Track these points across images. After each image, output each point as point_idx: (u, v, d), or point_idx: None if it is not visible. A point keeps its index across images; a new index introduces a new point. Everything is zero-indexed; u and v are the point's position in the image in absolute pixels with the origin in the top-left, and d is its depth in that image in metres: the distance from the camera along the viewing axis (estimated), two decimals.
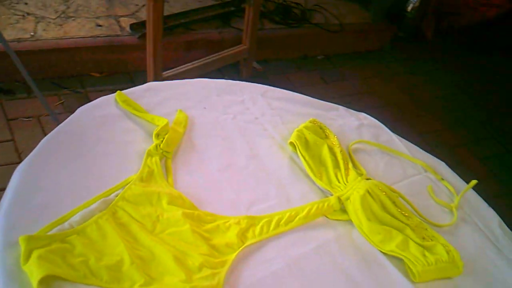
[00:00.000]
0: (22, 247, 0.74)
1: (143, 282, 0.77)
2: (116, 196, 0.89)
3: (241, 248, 0.87)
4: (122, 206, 0.87)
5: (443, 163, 1.23)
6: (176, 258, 0.81)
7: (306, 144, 1.11)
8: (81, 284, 0.73)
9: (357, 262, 0.92)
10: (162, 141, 1.00)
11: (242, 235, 0.90)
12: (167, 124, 1.04)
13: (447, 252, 0.94)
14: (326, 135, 1.16)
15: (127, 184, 0.91)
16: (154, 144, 0.99)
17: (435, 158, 1.23)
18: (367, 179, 1.06)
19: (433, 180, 1.17)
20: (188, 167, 1.00)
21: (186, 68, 2.37)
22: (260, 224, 0.92)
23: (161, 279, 0.78)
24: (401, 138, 1.25)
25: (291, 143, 1.11)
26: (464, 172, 1.22)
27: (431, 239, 0.97)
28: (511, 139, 2.87)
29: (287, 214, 0.95)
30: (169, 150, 1.00)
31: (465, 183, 1.16)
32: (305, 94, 1.31)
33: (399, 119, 2.65)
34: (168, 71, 2.30)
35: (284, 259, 0.88)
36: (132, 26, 2.57)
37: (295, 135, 1.11)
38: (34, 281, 0.70)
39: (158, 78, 2.20)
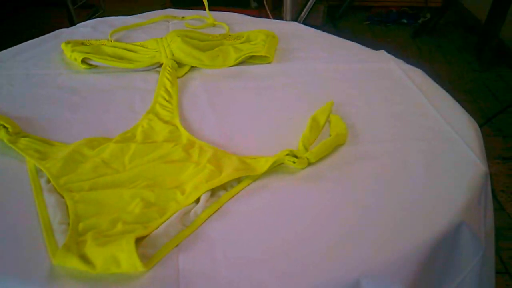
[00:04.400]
0: None
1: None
2: (47, 182, 0.73)
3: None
4: (68, 181, 0.73)
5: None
6: (170, 165, 0.76)
7: (86, 52, 1.06)
8: None
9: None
10: (4, 127, 0.82)
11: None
12: None
13: (259, 32, 1.13)
14: (82, 42, 1.13)
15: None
16: (2, 135, 0.80)
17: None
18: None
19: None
20: (52, 126, 0.87)
21: None
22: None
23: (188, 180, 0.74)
24: None
25: (83, 62, 1.05)
26: None
27: (240, 37, 1.14)
28: None
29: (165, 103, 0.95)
30: (19, 130, 0.83)
31: None
32: None
33: None
34: None
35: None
36: None
37: (77, 54, 1.05)
38: None
39: None
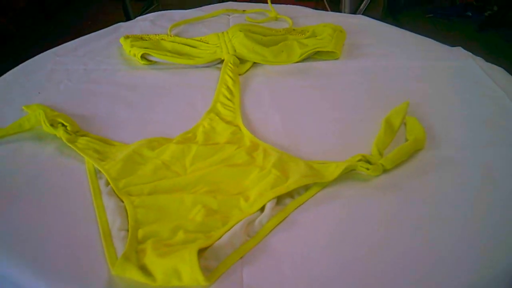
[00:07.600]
0: None
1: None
2: (106, 185, 0.69)
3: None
4: (127, 184, 0.69)
5: None
6: (233, 169, 0.71)
7: (146, 47, 1.02)
8: None
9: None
10: (63, 125, 0.79)
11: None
12: (44, 113, 0.80)
13: (325, 26, 1.07)
14: (141, 37, 1.10)
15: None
16: (61, 133, 0.78)
17: None
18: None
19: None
20: (110, 125, 0.84)
21: None
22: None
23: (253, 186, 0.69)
24: None
25: (142, 57, 1.01)
26: None
27: (305, 31, 1.08)
28: None
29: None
30: (78, 129, 0.81)
31: None
32: None
33: None
34: None
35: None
36: None
37: (136, 50, 1.01)
38: None
39: None
